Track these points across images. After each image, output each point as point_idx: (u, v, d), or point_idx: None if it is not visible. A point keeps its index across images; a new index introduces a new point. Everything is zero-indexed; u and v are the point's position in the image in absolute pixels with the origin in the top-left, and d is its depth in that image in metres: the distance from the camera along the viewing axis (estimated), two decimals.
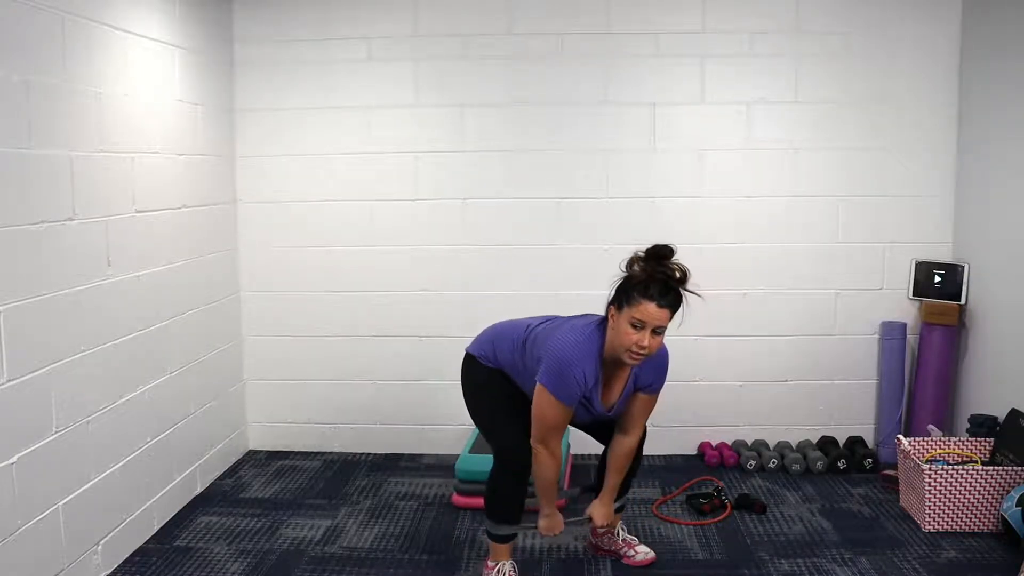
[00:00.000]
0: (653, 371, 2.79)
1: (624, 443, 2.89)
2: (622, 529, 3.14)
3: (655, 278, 2.55)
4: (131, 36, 3.16)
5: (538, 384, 2.66)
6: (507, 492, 2.82)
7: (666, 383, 4.07)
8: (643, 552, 3.09)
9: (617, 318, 2.59)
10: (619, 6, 3.96)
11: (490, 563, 2.91)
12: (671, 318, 2.58)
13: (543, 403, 2.66)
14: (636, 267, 2.60)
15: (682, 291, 2.59)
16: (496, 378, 2.89)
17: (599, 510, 2.96)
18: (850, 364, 4.12)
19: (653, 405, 2.88)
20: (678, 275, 2.58)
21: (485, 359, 2.91)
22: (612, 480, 2.93)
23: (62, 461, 2.73)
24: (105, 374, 2.98)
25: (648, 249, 2.61)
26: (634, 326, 2.54)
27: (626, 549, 3.10)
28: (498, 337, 2.92)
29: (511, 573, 2.87)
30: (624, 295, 2.58)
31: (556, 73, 4.01)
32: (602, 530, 3.07)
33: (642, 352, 2.56)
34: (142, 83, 3.24)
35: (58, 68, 2.71)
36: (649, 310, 2.52)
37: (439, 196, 4.09)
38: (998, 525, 3.20)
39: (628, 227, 4.06)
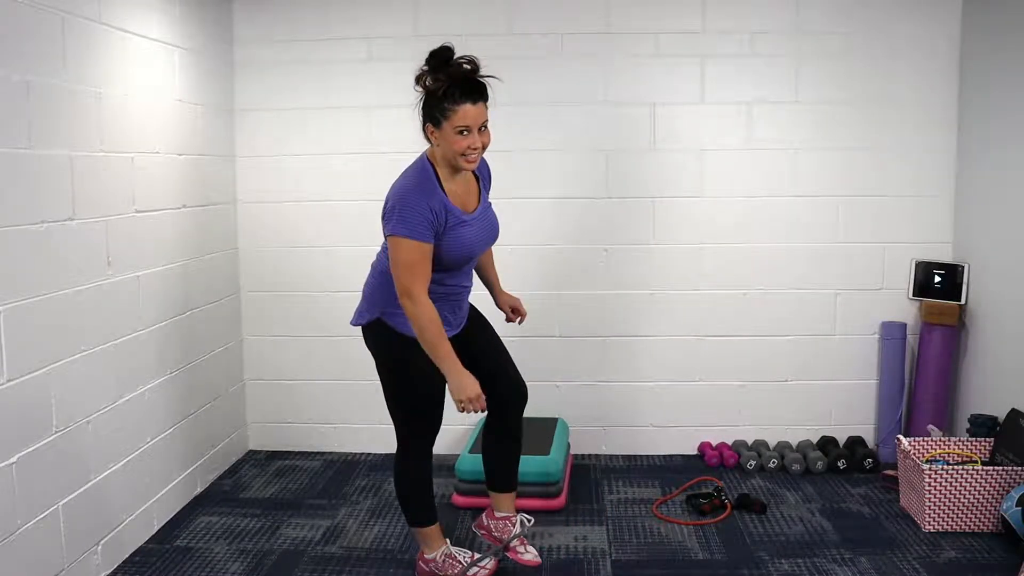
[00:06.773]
0: (488, 178, 2.91)
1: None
2: (525, 522, 3.02)
3: (455, 80, 2.53)
4: (131, 36, 3.16)
5: (390, 237, 2.59)
6: (423, 478, 2.94)
7: (666, 383, 4.13)
8: (532, 554, 2.97)
9: (440, 135, 2.59)
10: (619, 6, 3.96)
11: (428, 555, 2.88)
12: (487, 108, 2.60)
13: (400, 249, 2.56)
14: (428, 81, 2.56)
15: (483, 79, 2.58)
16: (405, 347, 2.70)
17: (504, 299, 3.12)
18: (850, 364, 4.11)
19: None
20: (471, 67, 2.57)
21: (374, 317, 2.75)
22: (493, 275, 3.14)
23: (62, 461, 2.73)
24: (105, 374, 2.98)
25: (428, 59, 2.57)
26: (461, 133, 2.55)
27: (517, 545, 2.98)
28: (371, 293, 2.78)
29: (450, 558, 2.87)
30: (435, 110, 2.56)
31: (556, 73, 4.01)
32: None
33: (476, 150, 2.60)
34: (142, 83, 3.24)
35: (58, 68, 2.71)
36: (468, 111, 2.54)
37: None
38: (998, 525, 3.21)
39: (628, 227, 4.06)
